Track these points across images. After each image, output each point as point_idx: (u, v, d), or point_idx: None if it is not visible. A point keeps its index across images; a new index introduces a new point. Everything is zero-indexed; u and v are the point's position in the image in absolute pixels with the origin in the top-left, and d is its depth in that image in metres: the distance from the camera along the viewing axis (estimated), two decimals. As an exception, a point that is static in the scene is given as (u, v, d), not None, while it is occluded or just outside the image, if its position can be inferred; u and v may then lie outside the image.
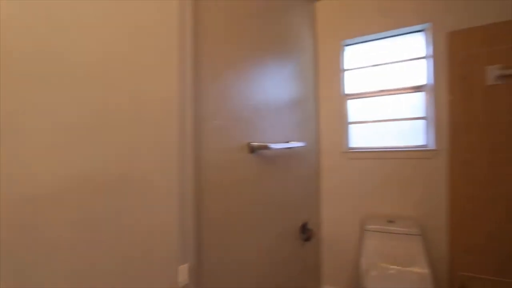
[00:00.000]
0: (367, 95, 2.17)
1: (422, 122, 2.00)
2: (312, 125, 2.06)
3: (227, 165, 0.90)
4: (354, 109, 2.22)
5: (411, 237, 1.74)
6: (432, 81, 1.90)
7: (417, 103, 2.02)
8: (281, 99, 1.44)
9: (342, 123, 2.18)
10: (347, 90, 2.22)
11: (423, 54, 1.98)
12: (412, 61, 2.03)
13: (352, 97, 2.21)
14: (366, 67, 2.17)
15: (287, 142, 1.49)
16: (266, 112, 1.24)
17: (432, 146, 1.91)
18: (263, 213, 1.16)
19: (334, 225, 2.21)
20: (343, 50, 2.22)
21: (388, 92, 2.09)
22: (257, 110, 1.14)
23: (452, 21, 1.82)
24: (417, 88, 2.00)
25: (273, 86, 1.33)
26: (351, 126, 2.23)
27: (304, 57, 1.92)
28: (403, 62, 2.05)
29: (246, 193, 1.02)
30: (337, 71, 2.19)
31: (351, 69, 2.22)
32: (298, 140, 1.67)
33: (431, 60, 1.89)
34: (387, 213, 2.01)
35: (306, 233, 1.76)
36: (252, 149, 1.04)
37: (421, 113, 2.00)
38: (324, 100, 2.24)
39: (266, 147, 1.04)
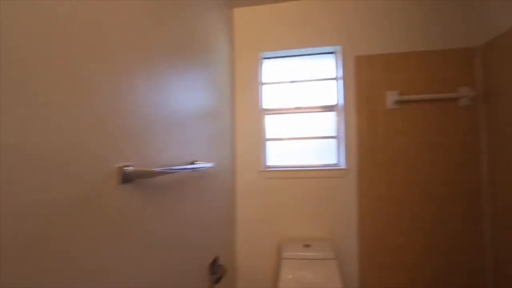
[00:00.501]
0: (284, 111, 2.08)
1: (334, 141, 2.02)
2: (227, 141, 1.82)
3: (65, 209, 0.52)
4: (271, 125, 2.10)
5: (327, 262, 1.65)
6: (342, 101, 1.94)
7: (330, 122, 2.04)
8: (186, 111, 1.14)
9: (259, 140, 2.02)
10: (265, 105, 2.09)
11: (335, 76, 2.04)
12: (326, 81, 2.06)
13: (270, 112, 2.09)
14: (284, 82, 2.10)
15: (193, 162, 1.18)
16: (162, 126, 0.91)
17: (343, 165, 1.93)
18: (147, 263, 0.81)
19: (250, 256, 1.98)
20: (261, 63, 2.10)
21: (304, 110, 2.06)
22: (147, 123, 0.81)
23: (360, 46, 1.92)
24: (329, 108, 2.03)
25: (175, 96, 1.02)
26: (268, 143, 2.09)
27: (219, 66, 1.68)
28: (318, 82, 2.07)
29: (107, 251, 0.64)
30: (255, 84, 2.04)
31: (269, 83, 2.11)
32: (209, 160, 1.38)
33: (341, 82, 1.95)
34: (304, 235, 1.91)
35: (217, 271, 1.45)
36: (127, 177, 0.69)
37: (333, 132, 2.02)
38: (241, 114, 2.04)
39: (151, 174, 0.71)
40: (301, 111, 2.06)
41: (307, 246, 1.77)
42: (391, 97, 1.83)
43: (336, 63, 2.02)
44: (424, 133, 1.82)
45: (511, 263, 1.57)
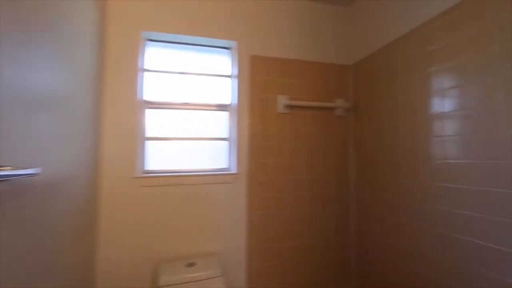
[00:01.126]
0: (171, 106, 1.77)
1: (225, 143, 1.86)
2: (86, 138, 1.34)
3: None
4: (153, 122, 1.74)
5: (213, 281, 1.45)
6: (235, 101, 1.81)
7: (223, 123, 1.87)
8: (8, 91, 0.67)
9: (136, 138, 1.62)
10: (146, 97, 1.71)
11: (230, 73, 1.89)
12: (220, 79, 1.88)
13: (152, 106, 1.73)
14: (172, 73, 1.79)
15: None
16: None
17: (234, 169, 1.79)
18: None
19: None
20: (144, 45, 1.71)
21: (194, 107, 1.81)
22: None
23: (256, 46, 1.84)
24: (223, 107, 1.86)
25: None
26: (148, 143, 1.72)
27: (79, 39, 1.20)
28: (212, 78, 1.86)
29: None
30: (134, 69, 1.63)
31: (153, 71, 1.75)
32: (47, 163, 0.92)
33: (236, 81, 1.82)
34: (189, 252, 1.64)
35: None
36: None
37: (225, 134, 1.86)
38: (112, 104, 1.59)
39: None
40: (190, 107, 1.80)
41: (191, 265, 1.51)
42: (282, 101, 1.83)
43: (232, 60, 1.88)
44: (308, 138, 1.91)
45: (370, 256, 1.81)
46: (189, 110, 1.80)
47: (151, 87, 1.73)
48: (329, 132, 1.96)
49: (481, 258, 1.11)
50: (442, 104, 1.31)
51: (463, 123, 1.21)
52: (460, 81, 1.22)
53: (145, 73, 1.72)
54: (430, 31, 1.38)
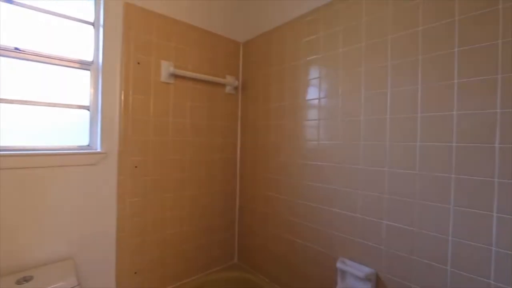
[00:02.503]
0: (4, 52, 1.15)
1: (86, 113, 1.41)
2: None
3: None
4: None
5: (61, 296, 1.08)
6: (101, 60, 1.38)
7: (81, 87, 1.40)
8: None
9: None
10: None
11: (93, 20, 1.41)
12: (80, 25, 1.38)
13: None
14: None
15: None
16: None
17: (98, 147, 1.40)
18: None
19: None
20: None
21: (34, 57, 1.25)
22: None
23: (131, -11, 1.44)
24: (82, 65, 1.39)
25: None
26: None
27: None
28: (63, 21, 1.33)
29: None
30: None
31: None
32: None
33: (102, 32, 1.38)
34: (20, 263, 1.16)
35: None
36: None
37: (85, 102, 1.41)
38: None
39: None
40: (29, 57, 1.23)
41: (25, 280, 1.07)
42: (166, 68, 1.55)
43: (96, 2, 1.41)
44: (195, 114, 1.73)
45: (251, 231, 1.89)
46: (29, 62, 1.23)
47: None
48: (217, 109, 1.85)
49: (338, 223, 1.33)
50: (315, 91, 1.45)
51: (331, 109, 1.37)
52: (332, 71, 1.37)
53: None
54: (310, 22, 1.47)
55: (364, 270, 1.18)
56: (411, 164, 1.08)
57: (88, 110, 1.41)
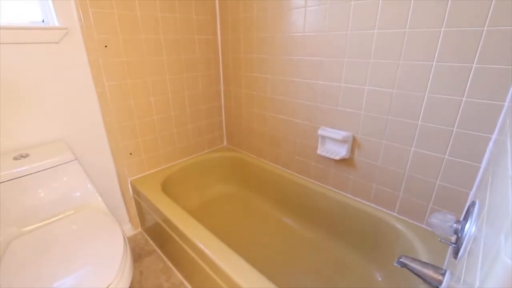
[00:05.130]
0: None
1: (26, -23, 1.15)
2: None
3: None
4: None
5: (62, 167, 1.16)
6: None
7: None
8: None
9: None
10: None
11: None
12: None
13: None
14: None
15: None
16: None
17: (54, 22, 1.21)
18: None
19: None
20: None
21: None
22: None
23: None
24: None
25: None
26: None
27: None
28: None
29: None
30: None
31: None
32: None
33: None
34: (14, 146, 1.19)
35: None
36: None
37: (20, -41, 1.12)
38: None
39: None
40: None
41: (22, 156, 1.12)
42: None
43: None
44: None
45: (234, 121, 1.94)
46: None
47: None
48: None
49: (322, 95, 1.36)
50: None
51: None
52: None
53: None
54: None
55: (341, 134, 1.29)
56: (397, 25, 1.01)
57: (27, -29, 1.14)
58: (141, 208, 1.63)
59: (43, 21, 1.22)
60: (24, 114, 1.19)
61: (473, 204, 0.63)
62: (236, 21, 1.67)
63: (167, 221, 1.29)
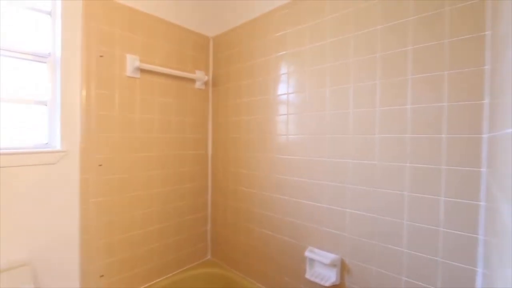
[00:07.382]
0: None
1: (44, 109, 1.32)
2: None
3: None
4: None
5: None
6: (59, 51, 1.30)
7: (37, 81, 1.31)
8: None
9: None
10: None
11: (50, 9, 1.32)
12: (33, 13, 1.28)
13: None
14: None
15: None
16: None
17: (57, 145, 1.32)
18: None
19: None
20: None
21: (-22, 47, 1.14)
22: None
23: (90, -23, 1.37)
24: (37, 57, 1.29)
25: None
26: None
27: None
28: (17, 10, 1.23)
29: None
30: None
31: None
32: None
33: (60, 21, 1.30)
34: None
35: None
36: None
37: (43, 96, 1.32)
38: None
39: None
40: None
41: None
42: (132, 62, 1.50)
43: (52, -9, 1.32)
44: (163, 110, 1.69)
45: (223, 226, 1.89)
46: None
47: None
48: (187, 105, 1.82)
49: (306, 214, 1.38)
50: (285, 87, 1.49)
51: (299, 104, 1.41)
52: (299, 67, 1.41)
53: None
54: (279, 18, 1.50)
55: (330, 257, 1.24)
56: (370, 155, 1.15)
57: (46, 105, 1.32)
58: None
59: (47, 143, 1.33)
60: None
61: None
62: (225, 141, 1.85)
63: None
